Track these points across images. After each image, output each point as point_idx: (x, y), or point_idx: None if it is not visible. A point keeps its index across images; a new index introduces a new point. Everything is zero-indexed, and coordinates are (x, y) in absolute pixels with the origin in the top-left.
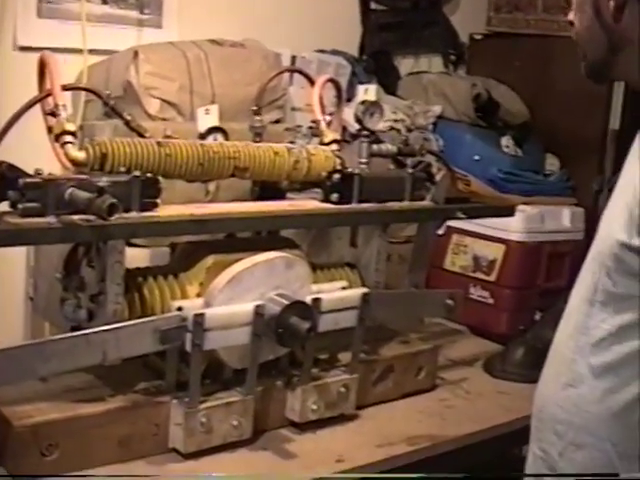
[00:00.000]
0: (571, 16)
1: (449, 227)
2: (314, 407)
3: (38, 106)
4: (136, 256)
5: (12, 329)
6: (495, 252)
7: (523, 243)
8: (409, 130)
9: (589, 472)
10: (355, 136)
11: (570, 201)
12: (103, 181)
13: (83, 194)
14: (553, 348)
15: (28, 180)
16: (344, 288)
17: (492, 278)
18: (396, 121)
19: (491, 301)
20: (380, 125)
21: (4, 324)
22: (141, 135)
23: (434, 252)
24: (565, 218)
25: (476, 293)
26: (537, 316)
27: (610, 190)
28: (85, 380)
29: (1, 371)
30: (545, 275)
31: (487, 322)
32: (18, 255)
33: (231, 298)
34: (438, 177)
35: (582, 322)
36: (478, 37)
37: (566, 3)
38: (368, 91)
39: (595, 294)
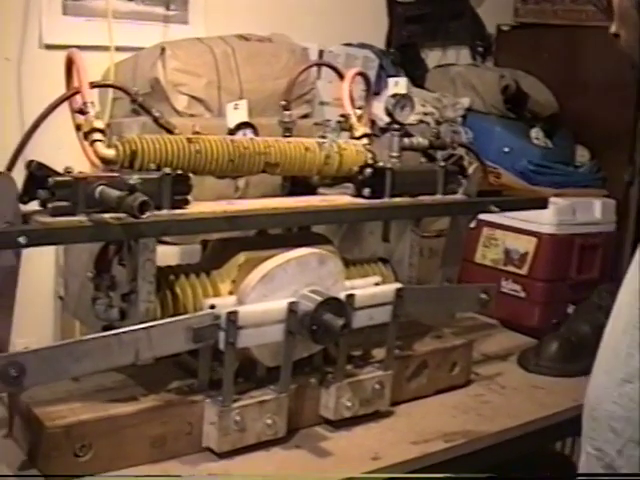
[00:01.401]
0: (613, 29)
1: (479, 220)
2: (348, 404)
3: (66, 104)
4: (167, 253)
5: (42, 328)
6: (526, 245)
7: (554, 235)
8: (438, 123)
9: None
10: (384, 130)
11: (601, 192)
12: (134, 179)
13: (114, 192)
14: (604, 345)
15: (58, 179)
16: (377, 284)
17: (524, 271)
18: (425, 114)
19: (523, 294)
20: (410, 118)
21: (34, 323)
22: (170, 132)
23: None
24: (596, 210)
25: (507, 287)
26: (569, 309)
27: None
28: (117, 379)
29: (34, 372)
30: (577, 267)
31: (519, 316)
32: (47, 254)
33: (264, 295)
34: (470, 170)
35: (635, 316)
36: (505, 28)
37: (607, 16)
38: (399, 84)
39: None
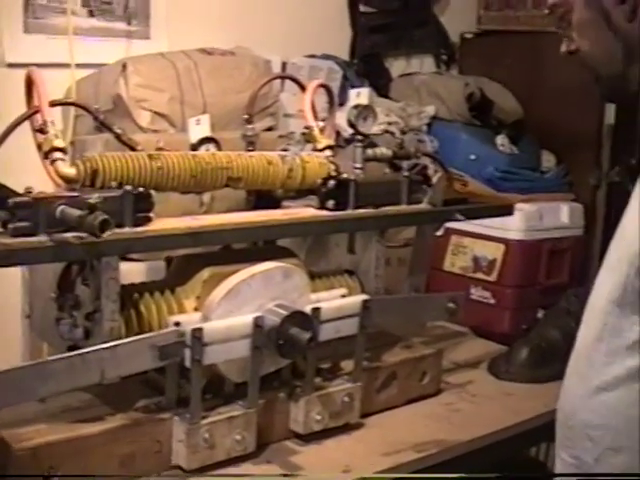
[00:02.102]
0: (571, 46)
1: (447, 228)
2: (318, 417)
3: (27, 123)
4: (132, 270)
5: (10, 348)
6: (495, 252)
7: (523, 241)
8: (403, 132)
9: (630, 475)
10: (349, 140)
11: (568, 197)
12: (94, 197)
13: (74, 212)
14: (576, 352)
15: (18, 199)
16: (344, 296)
17: (493, 278)
18: (390, 124)
19: (492, 301)
20: (374, 128)
21: (1, 343)
22: (133, 149)
23: (433, 254)
24: (564, 214)
25: (477, 294)
26: (539, 314)
27: (608, 185)
28: (84, 399)
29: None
30: (546, 273)
31: (489, 322)
32: (13, 273)
33: (229, 311)
34: (435, 179)
35: (613, 324)
36: (469, 36)
37: (561, 33)
38: (360, 95)
39: (625, 295)
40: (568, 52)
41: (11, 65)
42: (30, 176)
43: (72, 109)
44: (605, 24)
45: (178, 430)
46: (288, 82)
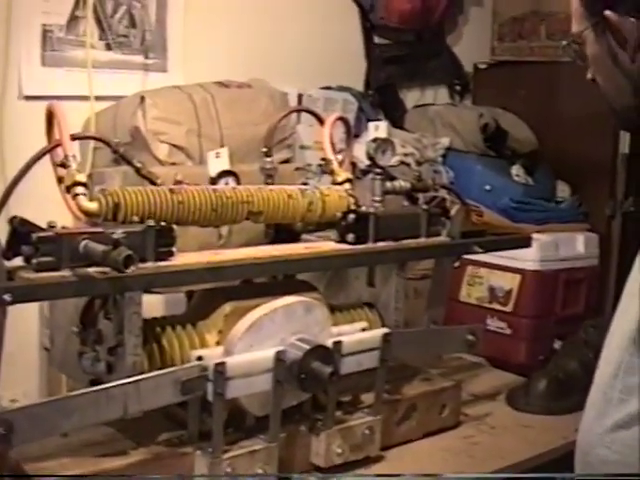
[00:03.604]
0: (590, 74)
1: (463, 259)
2: (339, 451)
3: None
4: (151, 303)
5: (28, 380)
6: (511, 282)
7: (538, 272)
8: (419, 163)
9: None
10: (365, 172)
11: (583, 227)
12: (118, 233)
13: (98, 247)
14: (594, 388)
15: (41, 234)
16: (364, 329)
17: (509, 309)
18: (406, 155)
19: (509, 332)
20: (391, 161)
21: (20, 375)
22: (153, 182)
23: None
24: (579, 244)
25: (493, 324)
26: (556, 344)
27: (623, 214)
28: (106, 433)
29: (23, 429)
30: (562, 303)
31: (506, 353)
32: (32, 305)
33: (251, 345)
34: (453, 211)
35: (629, 362)
36: (482, 66)
37: (583, 62)
38: (379, 128)
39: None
40: (592, 80)
41: (29, 97)
42: (48, 208)
43: (91, 141)
44: (613, 62)
45: (200, 464)
46: (305, 114)
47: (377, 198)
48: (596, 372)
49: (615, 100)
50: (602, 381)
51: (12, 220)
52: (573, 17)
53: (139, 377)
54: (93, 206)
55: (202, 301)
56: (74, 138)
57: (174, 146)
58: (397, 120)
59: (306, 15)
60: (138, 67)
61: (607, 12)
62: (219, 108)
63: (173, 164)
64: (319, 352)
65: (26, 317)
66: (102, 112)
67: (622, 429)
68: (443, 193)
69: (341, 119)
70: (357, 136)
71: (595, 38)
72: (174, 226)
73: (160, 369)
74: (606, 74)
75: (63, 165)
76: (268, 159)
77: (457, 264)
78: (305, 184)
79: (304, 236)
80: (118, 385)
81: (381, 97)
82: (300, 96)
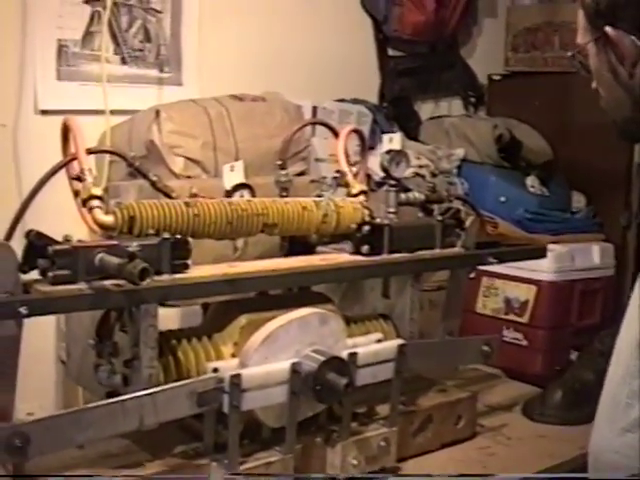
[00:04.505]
0: (594, 85)
1: (479, 270)
2: (355, 462)
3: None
4: (167, 315)
5: (44, 393)
6: (526, 293)
7: (554, 283)
8: (433, 175)
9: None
10: (380, 184)
11: (598, 237)
12: (133, 246)
13: (114, 260)
14: (604, 393)
15: (57, 247)
16: (379, 340)
17: (525, 320)
18: (420, 167)
19: (525, 343)
20: (405, 172)
21: (36, 388)
22: (168, 196)
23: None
24: (595, 255)
25: (509, 335)
26: (572, 355)
27: (638, 224)
28: (122, 445)
29: (38, 442)
30: (578, 313)
31: (522, 364)
32: (48, 318)
33: (266, 357)
34: (468, 223)
35: (635, 366)
36: (497, 77)
37: (587, 74)
38: (393, 140)
39: None
40: (596, 90)
41: (44, 112)
42: (64, 222)
43: (106, 155)
44: (612, 76)
45: (216, 476)
46: (319, 127)
47: (392, 210)
48: (606, 377)
49: (615, 111)
50: (611, 386)
51: (28, 234)
52: (578, 29)
53: (155, 389)
54: (109, 219)
55: (217, 313)
56: (90, 152)
57: (189, 159)
58: (411, 132)
59: (320, 28)
60: (153, 81)
61: (607, 28)
62: (234, 121)
63: (188, 177)
64: (334, 364)
65: (42, 330)
66: (117, 126)
67: (629, 433)
68: (458, 204)
69: (355, 131)
70: (372, 148)
71: (596, 52)
72: (189, 239)
73: (176, 381)
74: (606, 86)
75: (79, 179)
76: (283, 172)
77: (472, 275)
78: (320, 196)
79: (319, 248)
80: (134, 397)
81: (395, 109)
82: (314, 109)
